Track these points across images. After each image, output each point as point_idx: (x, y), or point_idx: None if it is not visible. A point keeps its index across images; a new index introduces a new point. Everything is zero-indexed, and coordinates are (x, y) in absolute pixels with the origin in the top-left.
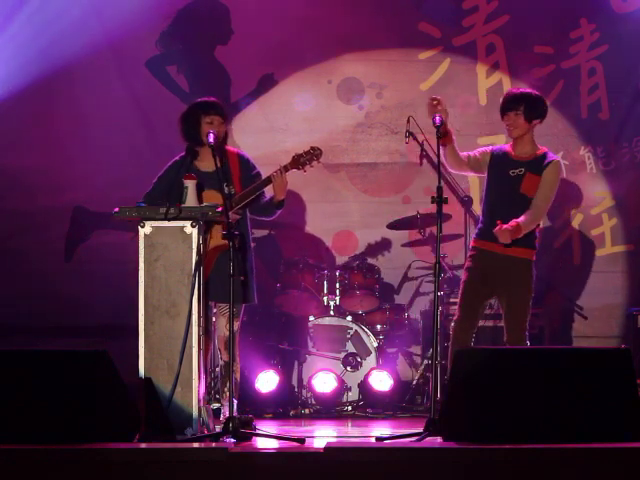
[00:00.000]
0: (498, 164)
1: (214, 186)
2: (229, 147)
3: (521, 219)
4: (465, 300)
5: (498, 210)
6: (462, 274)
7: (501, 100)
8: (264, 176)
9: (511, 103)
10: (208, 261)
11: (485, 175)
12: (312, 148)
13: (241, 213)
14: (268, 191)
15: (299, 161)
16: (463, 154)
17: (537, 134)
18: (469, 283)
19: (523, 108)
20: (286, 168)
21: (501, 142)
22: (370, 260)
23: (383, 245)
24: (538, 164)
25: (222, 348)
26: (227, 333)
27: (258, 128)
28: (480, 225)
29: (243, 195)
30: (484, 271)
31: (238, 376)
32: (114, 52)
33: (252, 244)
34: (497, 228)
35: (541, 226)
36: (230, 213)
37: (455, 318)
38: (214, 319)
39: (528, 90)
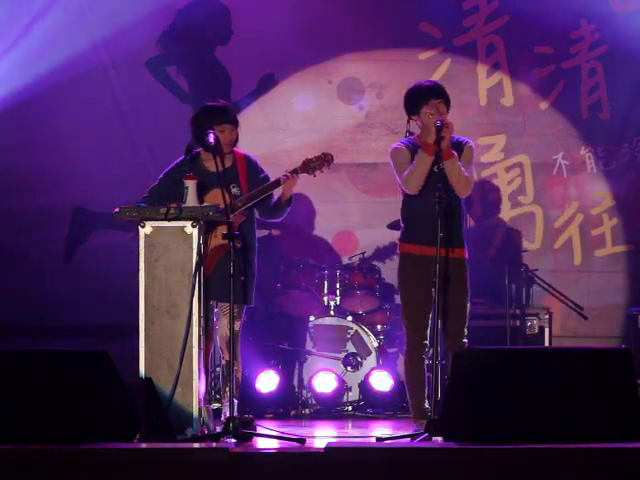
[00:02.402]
0: None
1: (220, 186)
2: (237, 149)
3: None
4: (412, 321)
5: (430, 208)
6: (399, 288)
7: (416, 89)
8: (272, 179)
9: (436, 92)
10: (211, 259)
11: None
12: (324, 154)
13: (247, 214)
14: (274, 192)
15: (309, 166)
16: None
17: (537, 134)
18: (410, 302)
19: (444, 98)
20: (296, 172)
21: (501, 142)
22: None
23: (391, 249)
24: (457, 152)
25: (224, 348)
26: (229, 332)
27: (258, 128)
28: (405, 228)
29: (250, 196)
30: (419, 278)
31: (239, 375)
32: (114, 52)
33: (257, 245)
34: (442, 125)
35: (472, 224)
36: (236, 213)
37: (407, 339)
38: (215, 319)
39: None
